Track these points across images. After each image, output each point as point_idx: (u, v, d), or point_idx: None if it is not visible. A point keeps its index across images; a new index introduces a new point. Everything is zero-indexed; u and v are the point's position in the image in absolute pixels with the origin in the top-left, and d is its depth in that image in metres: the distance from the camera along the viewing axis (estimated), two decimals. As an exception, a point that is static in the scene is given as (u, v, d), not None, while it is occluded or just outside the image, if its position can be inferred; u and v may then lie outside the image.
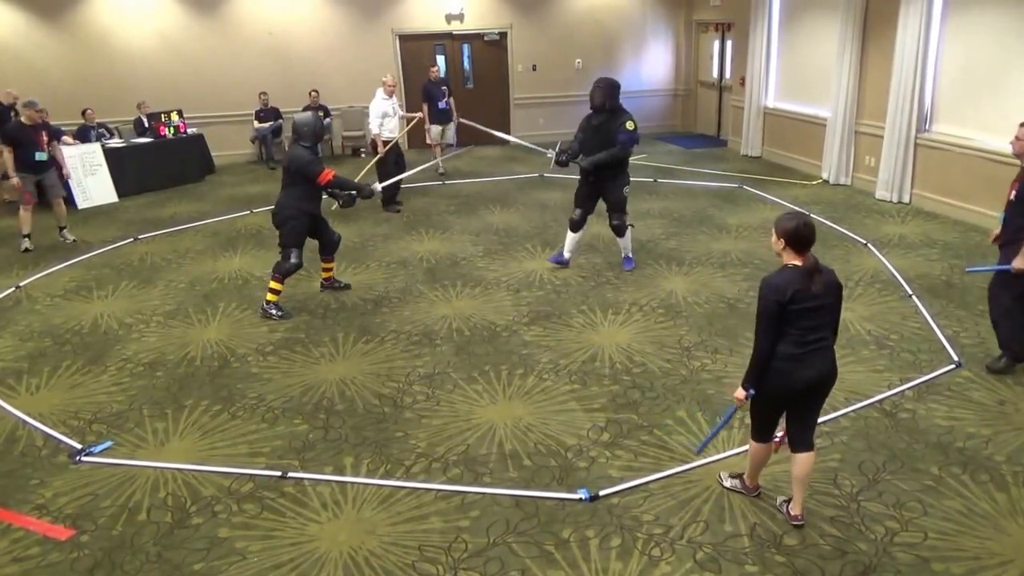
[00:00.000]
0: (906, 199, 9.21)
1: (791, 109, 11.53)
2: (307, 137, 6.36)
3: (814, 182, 10.44)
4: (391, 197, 9.71)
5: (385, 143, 9.40)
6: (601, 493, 3.95)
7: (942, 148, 8.69)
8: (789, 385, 3.43)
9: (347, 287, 7.00)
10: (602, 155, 6.69)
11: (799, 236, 3.36)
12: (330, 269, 6.98)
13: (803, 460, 3.59)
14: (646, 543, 3.60)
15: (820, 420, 4.53)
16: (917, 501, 3.82)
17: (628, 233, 7.14)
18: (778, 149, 11.86)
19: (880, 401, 4.77)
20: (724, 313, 6.19)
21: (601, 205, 7.13)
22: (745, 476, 3.89)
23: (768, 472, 3.96)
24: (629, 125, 6.62)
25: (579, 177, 7.10)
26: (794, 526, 3.66)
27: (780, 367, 3.39)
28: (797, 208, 9.09)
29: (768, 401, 3.53)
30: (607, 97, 6.64)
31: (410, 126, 10.26)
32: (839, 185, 10.23)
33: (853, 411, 4.66)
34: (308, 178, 6.33)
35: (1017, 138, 4.81)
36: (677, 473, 4.12)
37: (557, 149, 6.98)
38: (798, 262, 3.38)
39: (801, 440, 3.59)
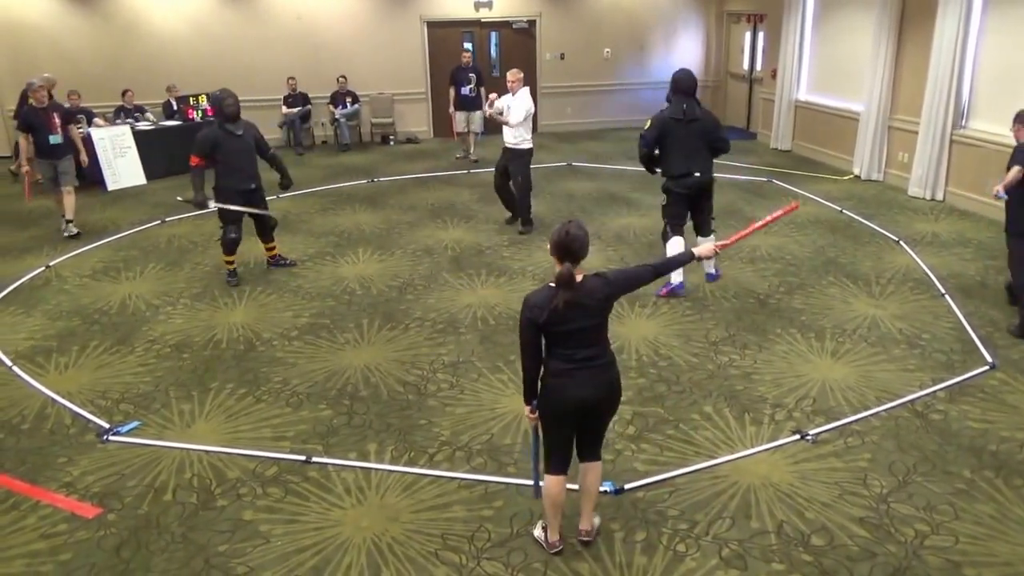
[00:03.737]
0: (940, 196, 9.04)
1: (823, 103, 11.34)
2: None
3: (845, 177, 10.29)
4: (526, 218, 8.32)
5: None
6: (626, 486, 3.92)
7: (978, 145, 8.51)
8: (562, 402, 3.18)
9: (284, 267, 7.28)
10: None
11: (558, 245, 3.03)
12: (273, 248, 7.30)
13: (593, 469, 3.42)
14: (671, 538, 3.57)
15: (850, 419, 4.49)
16: (948, 504, 3.75)
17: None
18: (808, 143, 11.70)
19: (911, 401, 4.68)
20: (753, 308, 6.11)
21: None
22: (546, 526, 3.46)
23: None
24: None
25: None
26: (582, 542, 3.48)
27: (552, 384, 3.17)
28: (831, 204, 8.98)
29: (549, 420, 3.25)
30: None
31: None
32: (871, 181, 10.06)
33: (884, 411, 4.58)
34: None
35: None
36: (703, 468, 4.07)
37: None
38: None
39: (590, 453, 3.42)
